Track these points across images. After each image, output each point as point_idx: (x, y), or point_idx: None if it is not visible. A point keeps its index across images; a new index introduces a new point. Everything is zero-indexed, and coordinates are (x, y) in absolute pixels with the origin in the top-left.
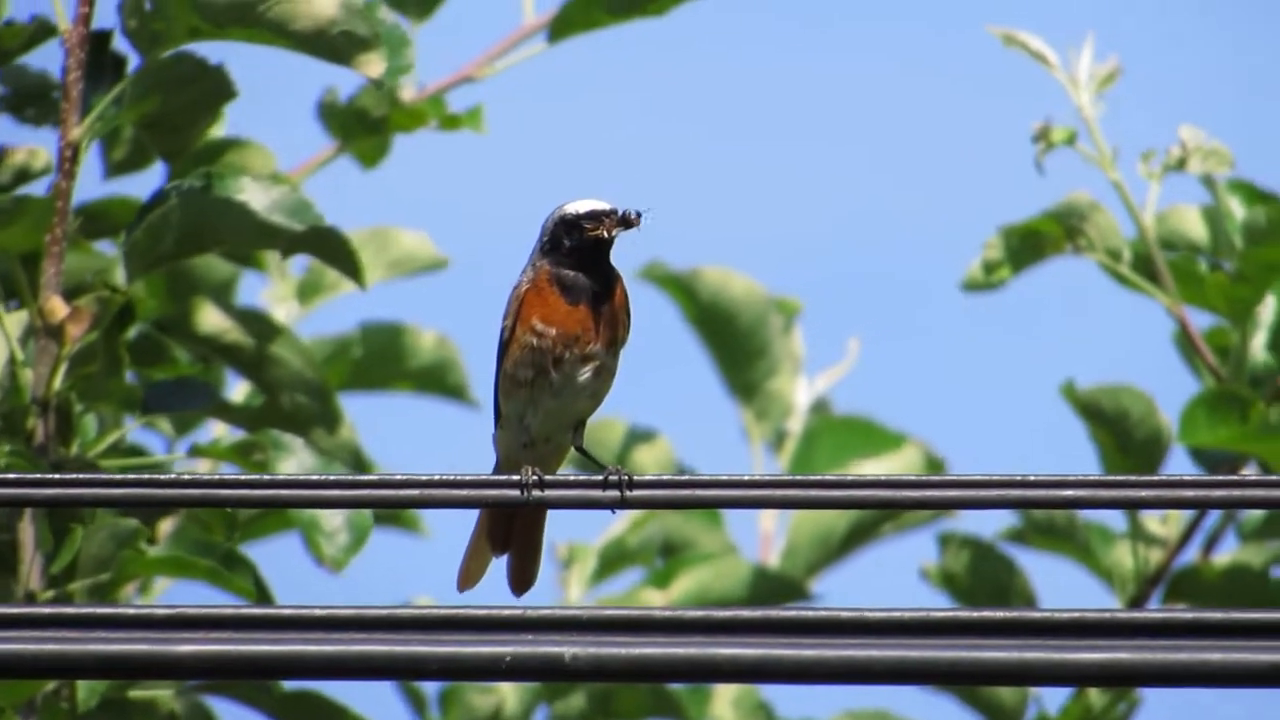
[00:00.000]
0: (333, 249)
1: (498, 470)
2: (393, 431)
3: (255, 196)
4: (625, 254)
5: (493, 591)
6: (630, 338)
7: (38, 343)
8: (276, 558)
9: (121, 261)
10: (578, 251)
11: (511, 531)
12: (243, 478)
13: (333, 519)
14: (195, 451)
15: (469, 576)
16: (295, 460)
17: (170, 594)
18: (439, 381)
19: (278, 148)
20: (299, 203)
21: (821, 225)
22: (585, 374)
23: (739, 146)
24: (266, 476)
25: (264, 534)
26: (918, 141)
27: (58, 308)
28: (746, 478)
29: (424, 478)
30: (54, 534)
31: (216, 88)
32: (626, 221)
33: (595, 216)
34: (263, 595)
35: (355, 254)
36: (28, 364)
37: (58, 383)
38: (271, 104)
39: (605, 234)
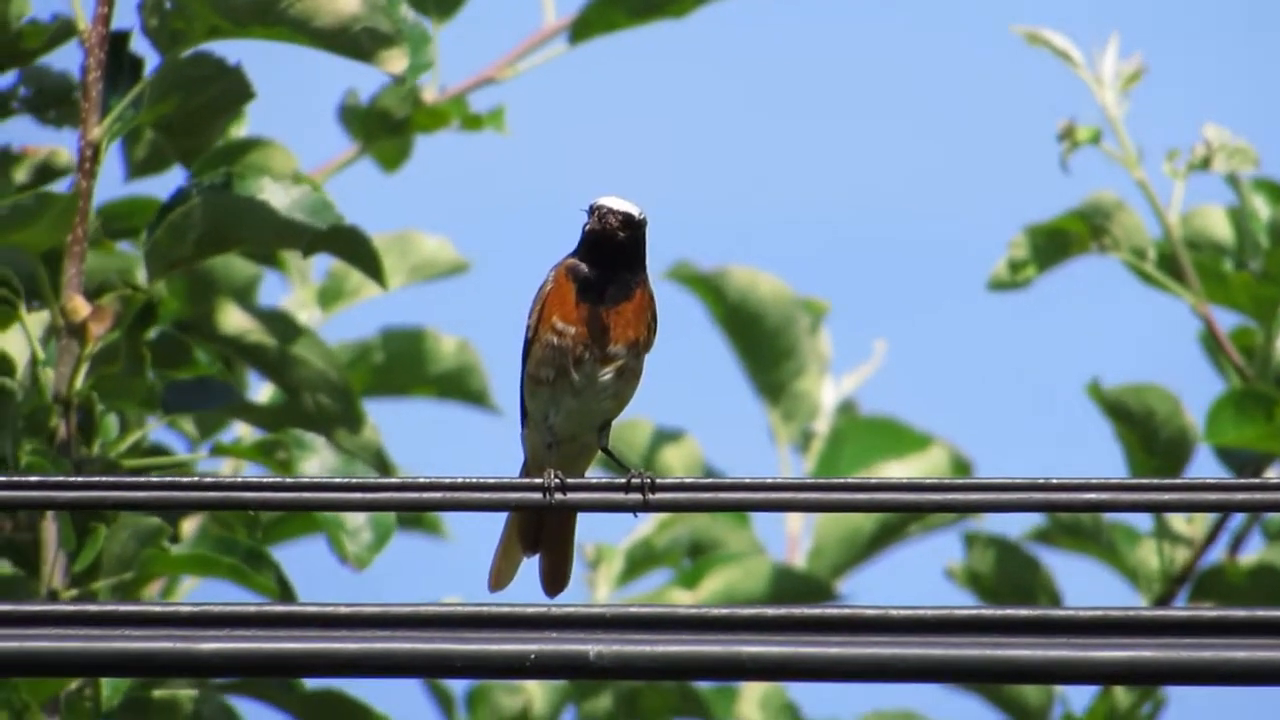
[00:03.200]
0: (354, 249)
1: (525, 470)
2: (414, 437)
3: (275, 196)
4: (653, 255)
5: (518, 590)
6: (656, 341)
7: (59, 342)
8: (300, 561)
9: (143, 261)
10: (588, 247)
11: (542, 532)
12: (266, 480)
13: (356, 518)
14: (218, 450)
15: (500, 577)
16: (318, 459)
17: (194, 595)
18: (460, 387)
19: (299, 149)
20: (320, 202)
21: (848, 224)
22: (607, 375)
23: (762, 147)
24: (290, 479)
25: (288, 536)
26: (943, 140)
27: (80, 307)
28: (769, 480)
29: (448, 480)
30: (77, 532)
31: (234, 89)
32: (601, 219)
33: (593, 210)
34: (286, 594)
35: (376, 254)
36: (49, 363)
37: (79, 382)
38: (294, 105)
39: (596, 227)
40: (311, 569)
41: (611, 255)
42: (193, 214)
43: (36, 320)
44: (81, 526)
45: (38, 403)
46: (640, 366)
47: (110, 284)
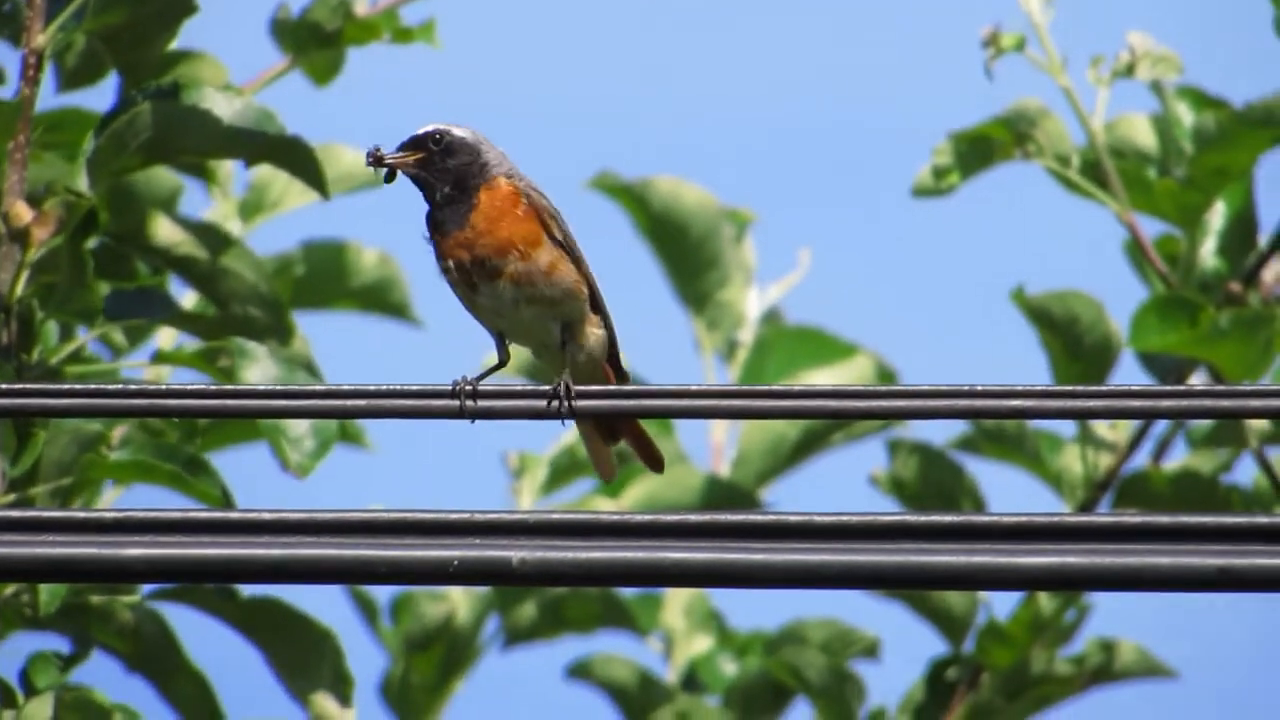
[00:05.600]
0: (296, 158)
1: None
2: (337, 349)
3: (219, 105)
4: (577, 166)
5: (440, 497)
6: (568, 227)
7: (0, 248)
8: (239, 470)
9: (85, 168)
10: (419, 189)
11: (612, 426)
12: (191, 387)
13: (298, 426)
14: (159, 358)
15: (603, 469)
16: (259, 368)
17: (129, 503)
18: (381, 300)
19: (229, 63)
20: (262, 113)
21: (774, 134)
22: (504, 287)
23: (688, 56)
24: (214, 386)
25: (229, 443)
26: (865, 47)
27: (23, 212)
28: (692, 388)
29: (372, 388)
30: (16, 437)
31: (177, 1)
32: (377, 160)
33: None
34: (226, 502)
35: (319, 164)
36: None
37: (20, 288)
38: (224, 18)
39: (400, 164)
40: (249, 477)
41: (436, 182)
42: (136, 122)
43: None
44: (21, 431)
45: None
46: (552, 259)
47: (44, 194)
